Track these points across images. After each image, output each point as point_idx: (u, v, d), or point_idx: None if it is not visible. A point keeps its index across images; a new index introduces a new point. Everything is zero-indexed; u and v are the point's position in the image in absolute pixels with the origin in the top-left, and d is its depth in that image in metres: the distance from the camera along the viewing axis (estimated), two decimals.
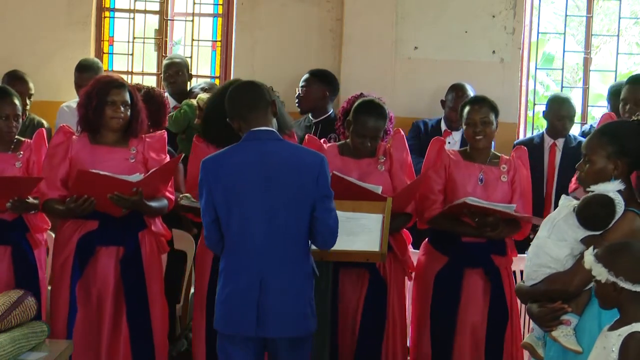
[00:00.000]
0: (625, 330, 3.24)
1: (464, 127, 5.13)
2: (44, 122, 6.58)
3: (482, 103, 5.09)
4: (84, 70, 6.77)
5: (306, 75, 6.89)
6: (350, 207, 4.63)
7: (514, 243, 5.18)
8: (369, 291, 5.00)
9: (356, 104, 5.11)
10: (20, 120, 5.18)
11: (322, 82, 6.87)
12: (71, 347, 4.45)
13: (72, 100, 6.88)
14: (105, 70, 7.81)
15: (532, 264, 3.74)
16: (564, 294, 3.63)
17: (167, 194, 5.06)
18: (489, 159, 5.13)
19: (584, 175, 3.75)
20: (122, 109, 4.98)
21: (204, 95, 6.65)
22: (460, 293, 5.04)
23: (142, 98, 5.25)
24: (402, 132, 5.25)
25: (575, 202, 3.74)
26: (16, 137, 5.19)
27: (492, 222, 4.92)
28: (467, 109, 5.10)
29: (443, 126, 6.86)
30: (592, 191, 3.67)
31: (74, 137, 5.05)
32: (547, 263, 3.68)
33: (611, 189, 3.64)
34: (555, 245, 3.67)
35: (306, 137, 5.29)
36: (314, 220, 4.16)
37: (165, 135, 5.23)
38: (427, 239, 5.23)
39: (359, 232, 4.64)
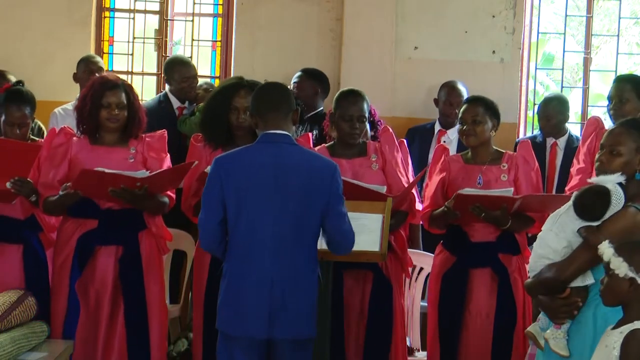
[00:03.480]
0: (627, 328, 3.25)
1: (458, 125, 5.19)
2: (39, 122, 6.54)
3: (476, 102, 5.15)
4: (93, 60, 6.83)
5: (299, 73, 6.93)
6: (350, 207, 4.60)
7: (526, 240, 5.13)
8: (373, 291, 5.00)
9: (335, 96, 5.19)
10: (29, 122, 5.18)
11: (314, 79, 6.91)
12: (71, 347, 4.46)
13: (67, 103, 6.87)
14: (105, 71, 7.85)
15: (534, 255, 3.76)
16: (556, 282, 3.63)
17: (169, 192, 5.05)
18: (490, 159, 5.12)
19: (608, 167, 3.73)
20: (117, 110, 4.97)
21: None
22: (465, 294, 5.02)
23: None
24: (390, 129, 5.27)
25: None
26: (31, 136, 5.24)
27: (499, 216, 4.87)
28: (462, 107, 5.18)
29: (437, 127, 6.87)
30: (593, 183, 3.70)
31: (74, 138, 5.05)
32: (546, 254, 3.70)
33: (611, 180, 3.65)
34: (555, 237, 3.69)
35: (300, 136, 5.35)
36: (327, 226, 4.19)
37: (166, 135, 5.21)
38: (441, 241, 5.23)
39: (359, 232, 4.62)
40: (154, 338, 5.02)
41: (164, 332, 5.17)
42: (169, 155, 5.18)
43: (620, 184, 3.64)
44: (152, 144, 5.09)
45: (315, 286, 4.24)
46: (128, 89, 5.07)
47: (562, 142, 6.65)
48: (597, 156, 3.81)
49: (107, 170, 4.85)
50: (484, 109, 5.10)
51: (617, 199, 3.61)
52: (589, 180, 3.74)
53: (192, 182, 5.00)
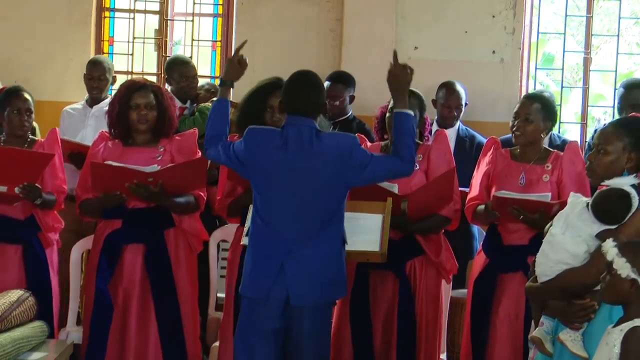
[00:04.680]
0: (627, 326, 3.25)
1: (511, 119, 5.03)
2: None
3: (533, 99, 5.04)
4: (96, 64, 6.84)
5: (329, 82, 6.71)
6: (350, 207, 4.61)
7: None
8: (400, 295, 4.95)
9: None
10: (32, 116, 5.25)
11: (350, 86, 6.85)
12: (71, 347, 4.46)
13: (76, 103, 6.88)
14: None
15: (547, 260, 3.71)
16: (581, 286, 3.61)
17: (199, 192, 5.08)
18: (536, 158, 5.00)
19: (595, 165, 3.74)
20: (146, 110, 5.02)
21: None
22: (493, 298, 4.93)
23: None
24: (446, 132, 5.24)
25: (585, 199, 3.75)
26: (30, 136, 5.29)
27: (537, 219, 4.73)
28: (519, 102, 5.05)
29: (435, 127, 6.83)
30: (607, 185, 3.67)
31: (109, 142, 5.12)
32: (564, 259, 3.66)
33: (626, 182, 3.65)
34: (572, 241, 3.66)
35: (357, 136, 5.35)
36: (371, 177, 4.42)
37: (196, 133, 5.26)
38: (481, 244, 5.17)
39: (359, 232, 4.64)
40: (188, 337, 5.04)
41: (197, 332, 5.18)
42: (200, 153, 5.17)
43: (633, 185, 3.65)
44: (181, 143, 5.14)
45: (338, 255, 4.36)
46: (156, 90, 5.13)
47: (544, 140, 6.61)
48: (588, 154, 3.81)
49: (114, 164, 4.90)
50: (539, 107, 4.96)
51: (636, 201, 3.61)
52: (603, 183, 3.71)
53: (225, 182, 5.02)
